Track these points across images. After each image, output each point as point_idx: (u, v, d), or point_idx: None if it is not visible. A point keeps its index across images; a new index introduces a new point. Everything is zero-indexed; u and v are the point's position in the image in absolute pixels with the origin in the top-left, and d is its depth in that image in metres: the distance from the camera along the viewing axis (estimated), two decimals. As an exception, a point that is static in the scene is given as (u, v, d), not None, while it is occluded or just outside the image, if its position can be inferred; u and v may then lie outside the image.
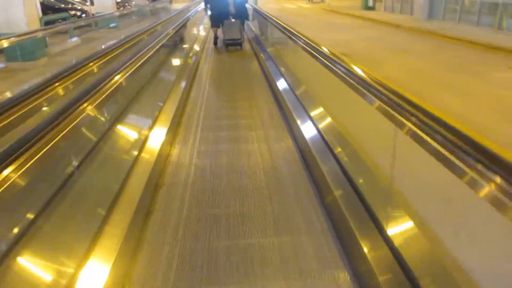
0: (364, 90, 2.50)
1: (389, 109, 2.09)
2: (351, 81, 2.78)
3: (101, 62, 3.79)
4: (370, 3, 20.27)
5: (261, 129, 4.08)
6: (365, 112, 2.84)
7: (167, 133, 3.55)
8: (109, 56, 4.00)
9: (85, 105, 2.46)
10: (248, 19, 10.10)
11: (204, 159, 3.37)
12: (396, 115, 2.00)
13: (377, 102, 2.28)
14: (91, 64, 3.46)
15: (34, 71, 7.76)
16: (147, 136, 3.31)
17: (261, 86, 5.89)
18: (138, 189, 2.45)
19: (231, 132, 4.10)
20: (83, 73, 3.27)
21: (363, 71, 2.71)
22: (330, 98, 3.92)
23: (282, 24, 6.68)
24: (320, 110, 3.80)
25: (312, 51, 4.08)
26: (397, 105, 2.03)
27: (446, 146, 1.54)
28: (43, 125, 1.92)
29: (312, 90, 4.44)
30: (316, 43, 4.14)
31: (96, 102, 2.61)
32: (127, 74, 3.40)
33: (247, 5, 10.64)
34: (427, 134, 1.69)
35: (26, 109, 2.21)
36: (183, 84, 5.60)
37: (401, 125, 1.98)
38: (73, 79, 3.03)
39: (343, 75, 2.96)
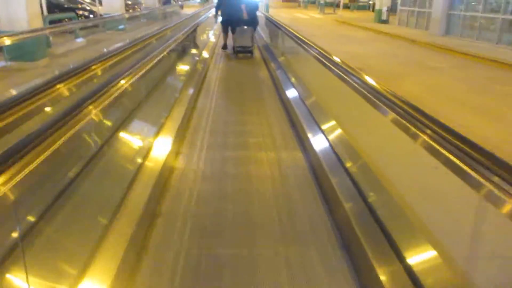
0: (378, 102, 2.43)
1: (405, 122, 2.05)
2: (365, 92, 2.69)
3: (104, 65, 3.55)
4: (384, 16, 19.92)
5: (273, 150, 3.81)
6: (380, 126, 2.72)
7: (169, 154, 3.29)
8: (113, 61, 3.77)
9: (82, 111, 2.25)
10: (256, 27, 10.01)
11: (208, 184, 3.10)
12: (412, 127, 1.96)
13: (392, 115, 2.23)
14: (93, 67, 3.22)
15: (32, 72, 7.33)
16: (147, 152, 3.10)
17: (271, 98, 5.68)
18: (130, 222, 2.17)
19: (239, 151, 3.83)
20: (83, 77, 3.02)
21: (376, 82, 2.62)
22: (344, 110, 3.80)
23: (294, 33, 6.49)
24: (332, 123, 3.66)
25: (324, 61, 3.98)
26: (412, 117, 2.00)
27: (462, 159, 1.50)
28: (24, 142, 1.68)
29: (325, 103, 4.29)
30: (329, 53, 4.03)
31: (94, 111, 2.38)
32: (132, 80, 3.20)
33: (257, 13, 10.56)
34: (443, 147, 1.65)
35: (26, 110, 2.05)
36: (190, 91, 5.41)
37: (415, 137, 1.93)
38: (74, 83, 2.80)
39: (356, 86, 2.89)
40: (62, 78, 2.51)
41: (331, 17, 26.02)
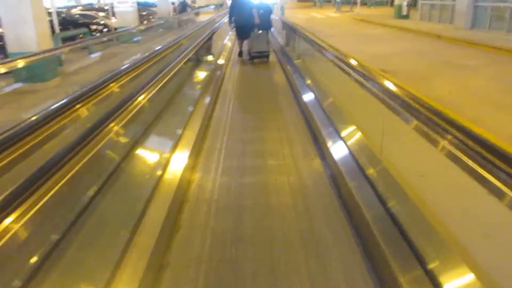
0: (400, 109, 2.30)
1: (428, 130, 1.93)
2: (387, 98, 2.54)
3: (117, 83, 3.48)
4: (404, 12, 19.30)
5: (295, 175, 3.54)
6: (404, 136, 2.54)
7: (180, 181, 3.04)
8: (125, 78, 3.68)
9: (98, 132, 2.30)
10: (270, 29, 10.02)
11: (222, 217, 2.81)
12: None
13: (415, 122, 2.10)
14: (105, 85, 3.15)
15: (43, 93, 7.10)
16: (161, 174, 2.98)
17: (291, 109, 5.43)
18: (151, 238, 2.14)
19: (257, 176, 3.54)
20: (98, 97, 2.96)
21: (397, 86, 2.50)
22: (366, 118, 3.62)
23: (310, 36, 6.37)
24: (358, 134, 3.44)
25: (343, 66, 3.81)
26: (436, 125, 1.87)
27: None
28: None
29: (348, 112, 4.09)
30: (346, 55, 3.89)
31: (110, 129, 2.44)
32: (146, 97, 3.21)
33: (272, 16, 10.55)
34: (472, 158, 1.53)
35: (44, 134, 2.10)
36: (206, 100, 5.36)
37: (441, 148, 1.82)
38: (87, 104, 2.76)
39: (377, 92, 2.72)
40: (71, 102, 2.50)
41: (348, 15, 25.45)
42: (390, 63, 8.94)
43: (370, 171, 2.76)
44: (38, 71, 7.40)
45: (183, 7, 23.76)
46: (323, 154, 3.61)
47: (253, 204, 2.90)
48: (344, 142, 3.38)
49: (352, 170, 2.89)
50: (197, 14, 26.88)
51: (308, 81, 5.87)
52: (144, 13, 20.86)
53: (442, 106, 5.18)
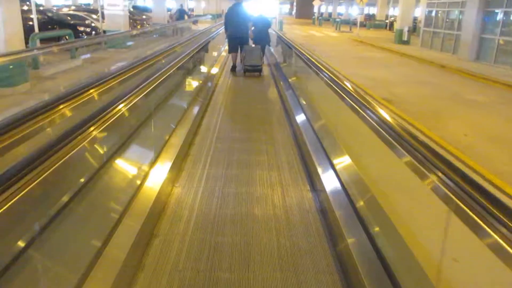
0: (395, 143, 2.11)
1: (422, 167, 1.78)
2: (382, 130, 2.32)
3: (98, 91, 3.20)
4: (405, 37, 18.88)
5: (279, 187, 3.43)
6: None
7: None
8: (104, 86, 3.36)
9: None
10: (269, 45, 9.92)
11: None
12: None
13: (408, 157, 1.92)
14: (82, 92, 2.90)
15: (6, 100, 6.33)
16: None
17: (282, 130, 5.14)
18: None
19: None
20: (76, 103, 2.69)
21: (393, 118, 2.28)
22: (361, 148, 3.43)
23: (307, 55, 6.08)
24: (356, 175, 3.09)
25: (345, 95, 3.37)
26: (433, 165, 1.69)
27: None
28: None
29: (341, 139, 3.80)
30: (347, 83, 3.50)
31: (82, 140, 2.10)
32: (125, 107, 2.88)
33: (270, 30, 10.48)
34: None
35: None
36: (194, 112, 5.21)
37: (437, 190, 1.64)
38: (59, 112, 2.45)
39: (374, 124, 2.48)
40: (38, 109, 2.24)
41: (347, 35, 25.15)
42: (394, 92, 8.30)
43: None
44: (4, 75, 6.55)
45: (180, 14, 23.30)
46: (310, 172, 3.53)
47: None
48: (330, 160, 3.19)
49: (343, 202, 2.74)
50: (195, 23, 26.27)
51: (294, 81, 5.93)
52: (138, 18, 20.16)
53: (460, 151, 4.50)
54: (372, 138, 2.49)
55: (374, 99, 2.82)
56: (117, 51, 12.41)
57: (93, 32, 13.75)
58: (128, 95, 3.07)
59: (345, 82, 3.55)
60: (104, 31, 13.66)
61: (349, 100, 3.10)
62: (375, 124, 2.42)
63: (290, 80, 7.56)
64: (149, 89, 3.58)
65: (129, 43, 13.57)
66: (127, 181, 2.97)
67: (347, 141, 3.58)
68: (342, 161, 3.36)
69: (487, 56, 12.95)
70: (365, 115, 2.63)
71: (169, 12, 25.58)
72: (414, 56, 14.75)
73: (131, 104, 3.04)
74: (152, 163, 3.30)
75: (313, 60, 5.34)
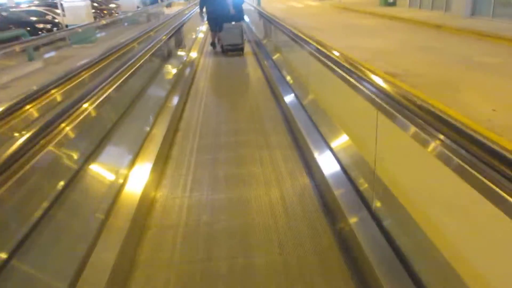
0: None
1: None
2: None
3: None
4: (391, -1, 17.68)
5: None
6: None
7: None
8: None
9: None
10: (243, 20, 9.73)
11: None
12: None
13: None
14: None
15: None
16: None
17: (269, 110, 4.93)
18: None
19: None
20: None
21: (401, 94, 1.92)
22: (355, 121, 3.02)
23: (289, 28, 5.62)
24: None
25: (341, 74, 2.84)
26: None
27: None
28: None
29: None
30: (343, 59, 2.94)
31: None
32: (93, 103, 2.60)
33: (248, 7, 10.78)
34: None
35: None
36: (174, 102, 4.86)
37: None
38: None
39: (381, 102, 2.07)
40: None
41: (328, 3, 24.19)
42: (396, 64, 7.33)
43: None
44: None
45: None
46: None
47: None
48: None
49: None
50: (169, 6, 24.99)
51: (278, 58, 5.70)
52: (105, 8, 18.74)
53: (499, 135, 3.64)
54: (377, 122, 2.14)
55: (375, 74, 2.38)
56: (83, 47, 11.63)
57: (55, 29, 12.45)
58: (95, 91, 2.76)
59: (333, 52, 3.22)
60: (67, 26, 12.38)
61: (347, 76, 2.67)
62: (383, 103, 2.03)
63: (274, 57, 7.17)
64: (118, 83, 3.23)
65: (98, 36, 12.33)
66: (101, 192, 2.63)
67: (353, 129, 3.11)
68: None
69: (483, 10, 12.07)
70: (368, 92, 2.24)
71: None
72: (404, 18, 13.84)
73: (99, 101, 2.74)
74: (130, 167, 3.00)
75: (301, 35, 4.77)
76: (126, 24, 16.33)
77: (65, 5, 11.76)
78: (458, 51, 8.49)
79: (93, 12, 16.71)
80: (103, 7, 18.83)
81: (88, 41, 11.98)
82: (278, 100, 5.15)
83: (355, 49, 8.64)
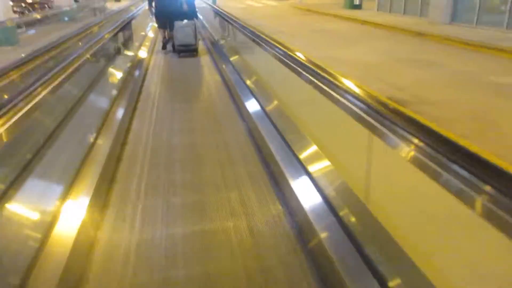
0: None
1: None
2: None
3: None
4: (357, 1, 16.44)
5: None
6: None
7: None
8: None
9: None
10: (197, 17, 9.16)
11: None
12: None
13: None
14: None
15: None
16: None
17: (231, 121, 4.35)
18: None
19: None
20: None
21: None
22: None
23: (250, 28, 5.40)
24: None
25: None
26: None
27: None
28: None
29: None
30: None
31: None
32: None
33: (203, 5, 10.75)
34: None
35: None
36: (119, 115, 4.16)
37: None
38: None
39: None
40: None
41: (288, 3, 23.32)
42: (394, 83, 6.03)
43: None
44: None
45: None
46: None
47: None
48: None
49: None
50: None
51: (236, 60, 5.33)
52: (36, 1, 16.06)
53: None
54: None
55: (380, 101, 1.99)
56: (1, 50, 9.78)
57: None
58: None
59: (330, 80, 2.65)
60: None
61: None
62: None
63: (231, 59, 6.66)
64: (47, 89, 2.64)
65: (16, 39, 10.04)
66: (26, 231, 2.12)
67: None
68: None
69: (464, 16, 11.13)
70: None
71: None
72: (378, 23, 12.92)
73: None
74: (63, 199, 2.41)
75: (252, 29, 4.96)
76: (66, 19, 14.11)
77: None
78: (459, 67, 7.28)
79: (17, 6, 14.23)
80: (34, 0, 16.17)
81: (7, 43, 9.64)
82: (240, 109, 4.68)
83: (336, 61, 7.36)
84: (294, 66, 3.30)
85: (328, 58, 7.64)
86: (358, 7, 17.88)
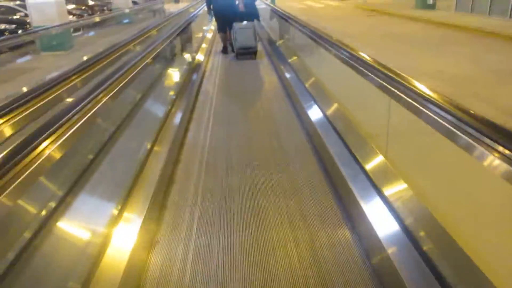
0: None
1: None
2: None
3: None
4: (430, 0, 14.99)
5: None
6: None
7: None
8: None
9: None
10: (258, 19, 9.14)
11: None
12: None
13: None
14: None
15: None
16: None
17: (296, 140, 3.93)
18: None
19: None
20: None
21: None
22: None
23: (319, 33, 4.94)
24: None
25: None
26: None
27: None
28: None
29: None
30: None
31: None
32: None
33: (263, 5, 10.48)
34: None
35: None
36: (176, 121, 4.05)
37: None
38: None
39: None
40: None
41: (351, 3, 22.11)
42: (502, 106, 4.69)
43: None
44: None
45: None
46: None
47: None
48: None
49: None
50: (176, 1, 23.06)
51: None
52: (97, 4, 16.05)
53: None
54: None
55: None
56: (55, 55, 9.33)
57: (20, 30, 9.88)
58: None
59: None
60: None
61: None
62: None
63: (292, 64, 6.32)
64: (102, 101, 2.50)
65: (71, 44, 9.81)
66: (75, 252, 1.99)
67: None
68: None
69: None
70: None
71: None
72: (460, 26, 11.41)
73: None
74: (115, 220, 2.23)
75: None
76: (124, 21, 14.06)
77: (29, 1, 9.13)
78: None
79: (77, 9, 14.23)
80: (95, 3, 16.20)
81: (60, 47, 9.38)
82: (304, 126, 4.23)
83: (415, 72, 6.02)
84: (378, 79, 2.76)
85: (406, 68, 6.48)
86: (432, 7, 16.43)
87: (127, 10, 15.80)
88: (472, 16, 13.44)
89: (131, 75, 3.37)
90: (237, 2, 8.01)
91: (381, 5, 19.47)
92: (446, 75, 6.61)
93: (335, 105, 4.08)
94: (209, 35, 10.88)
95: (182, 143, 3.99)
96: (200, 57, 7.97)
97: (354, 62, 3.34)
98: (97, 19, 12.99)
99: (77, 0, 15.80)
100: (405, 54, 8.64)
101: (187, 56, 7.67)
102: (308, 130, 4.11)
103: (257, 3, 9.22)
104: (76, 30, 11.60)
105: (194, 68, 6.86)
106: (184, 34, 7.62)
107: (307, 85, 5.10)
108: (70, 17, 13.23)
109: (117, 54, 4.31)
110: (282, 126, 4.47)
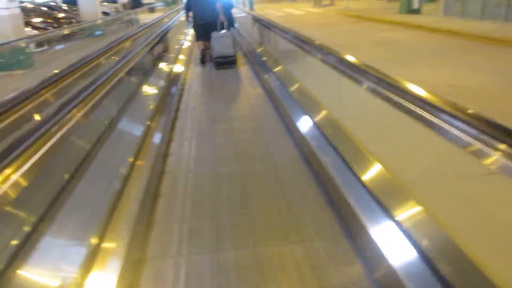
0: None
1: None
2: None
3: None
4: (415, 4, 14.92)
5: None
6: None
7: None
8: None
9: None
10: (234, 26, 8.77)
11: None
12: None
13: None
14: None
15: None
16: None
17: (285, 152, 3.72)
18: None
19: None
20: None
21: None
22: None
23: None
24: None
25: None
26: None
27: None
28: None
29: None
30: None
31: None
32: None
33: (242, 14, 10.72)
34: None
35: None
36: (154, 142, 3.78)
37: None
38: None
39: None
40: None
41: (333, 10, 21.98)
42: None
43: None
44: None
45: (134, 2, 21.29)
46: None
47: None
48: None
49: None
50: (151, 11, 22.92)
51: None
52: (65, 16, 14.95)
53: None
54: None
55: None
56: (10, 75, 8.43)
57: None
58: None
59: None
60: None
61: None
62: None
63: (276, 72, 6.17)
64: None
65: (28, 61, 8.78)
66: None
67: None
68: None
69: None
70: None
71: (121, 2, 24.10)
72: (454, 31, 10.99)
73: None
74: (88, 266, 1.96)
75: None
76: (95, 33, 13.16)
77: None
78: None
79: (42, 22, 13.12)
80: (60, 14, 15.06)
81: (17, 66, 8.29)
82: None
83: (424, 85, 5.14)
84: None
85: (414, 81, 5.66)
86: (417, 11, 15.98)
87: (99, 21, 14.84)
88: (463, 20, 12.51)
89: (96, 98, 3.11)
90: (220, 11, 7.88)
91: (364, 11, 19.11)
92: (458, 89, 5.84)
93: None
94: (186, 44, 10.60)
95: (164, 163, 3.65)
96: (178, 68, 7.65)
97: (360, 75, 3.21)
98: (66, 31, 12.00)
99: (43, 13, 14.79)
100: (402, 64, 7.88)
101: (165, 67, 7.41)
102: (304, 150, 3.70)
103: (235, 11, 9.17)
104: (39, 45, 10.60)
105: (172, 79, 6.51)
106: (161, 44, 7.42)
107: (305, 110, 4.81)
108: (33, 31, 12.17)
109: (86, 68, 3.97)
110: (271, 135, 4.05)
